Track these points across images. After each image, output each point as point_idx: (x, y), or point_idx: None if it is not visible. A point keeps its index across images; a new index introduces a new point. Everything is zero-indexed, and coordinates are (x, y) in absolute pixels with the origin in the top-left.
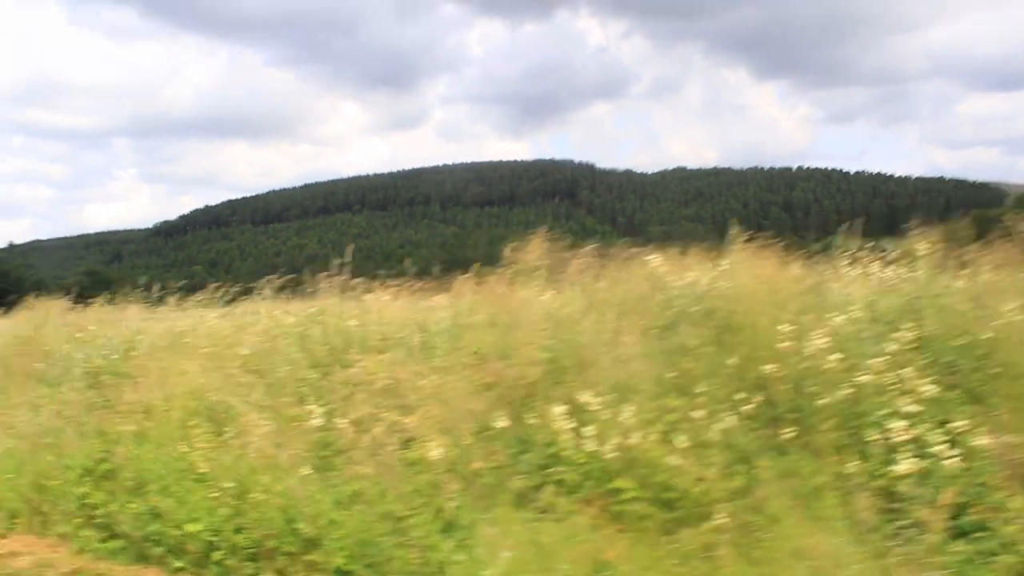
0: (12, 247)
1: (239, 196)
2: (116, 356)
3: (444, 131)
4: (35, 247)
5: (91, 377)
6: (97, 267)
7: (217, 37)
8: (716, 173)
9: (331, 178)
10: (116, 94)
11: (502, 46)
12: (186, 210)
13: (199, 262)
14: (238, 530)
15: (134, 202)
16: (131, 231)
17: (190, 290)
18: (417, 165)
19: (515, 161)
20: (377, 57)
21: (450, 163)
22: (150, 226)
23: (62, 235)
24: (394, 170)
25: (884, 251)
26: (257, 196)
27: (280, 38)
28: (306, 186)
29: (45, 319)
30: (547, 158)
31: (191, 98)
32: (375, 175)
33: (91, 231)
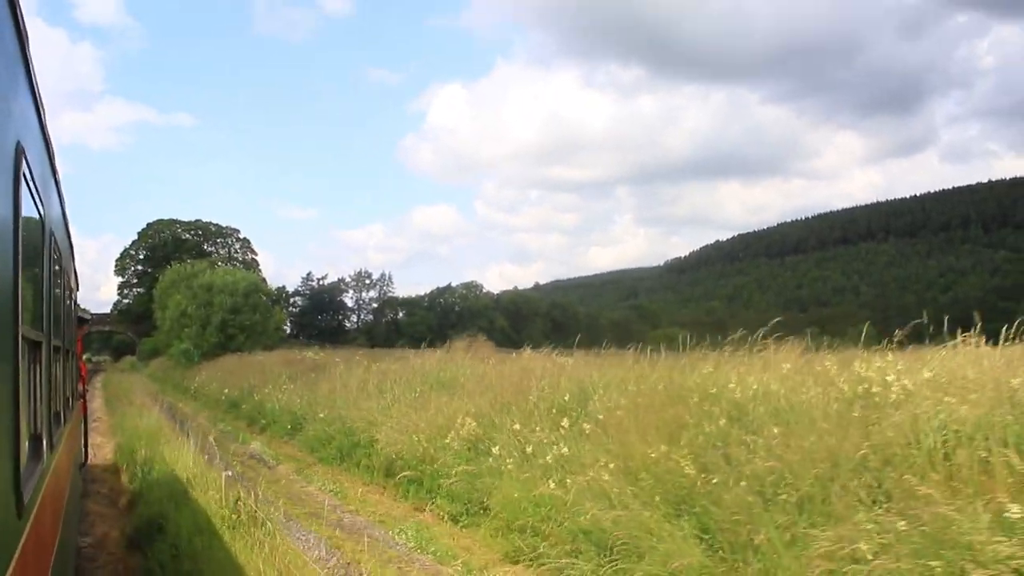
0: (538, 286)
1: (737, 233)
2: None
3: (951, 153)
4: (557, 286)
5: None
6: (641, 302)
7: (716, 82)
8: None
9: (826, 211)
10: (621, 146)
11: (1020, 51)
12: (694, 247)
13: (715, 297)
14: None
15: (629, 244)
16: (642, 269)
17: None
18: (927, 190)
19: None
20: (877, 81)
21: (981, 183)
22: (661, 264)
23: (571, 276)
24: (901, 197)
25: None
26: (770, 229)
27: (777, 75)
28: (820, 216)
29: None
30: None
31: (687, 142)
32: (898, 200)
33: (596, 271)
